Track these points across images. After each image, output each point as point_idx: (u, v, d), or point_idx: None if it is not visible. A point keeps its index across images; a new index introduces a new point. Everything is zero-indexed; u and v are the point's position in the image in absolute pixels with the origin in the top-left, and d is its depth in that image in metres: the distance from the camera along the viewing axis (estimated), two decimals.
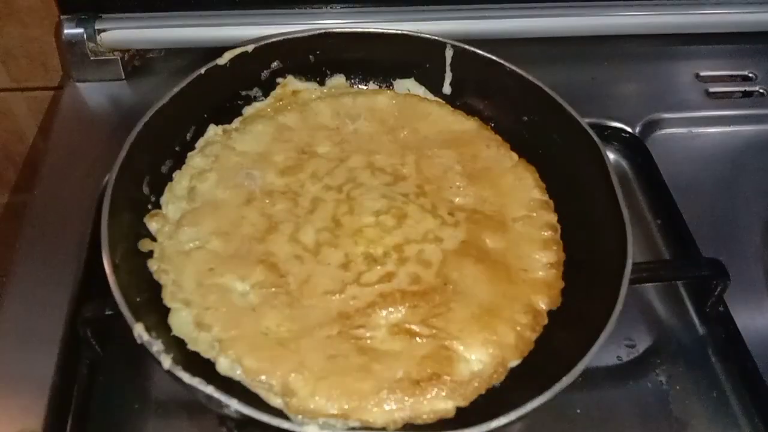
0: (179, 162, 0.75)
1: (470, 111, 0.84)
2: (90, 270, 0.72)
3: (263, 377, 0.59)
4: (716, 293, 0.73)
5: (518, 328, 0.64)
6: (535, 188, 0.76)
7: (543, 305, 0.67)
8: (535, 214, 0.74)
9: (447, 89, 0.85)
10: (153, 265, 0.66)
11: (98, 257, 0.60)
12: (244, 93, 0.82)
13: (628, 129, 0.92)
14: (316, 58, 0.84)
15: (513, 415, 0.54)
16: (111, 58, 0.92)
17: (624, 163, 0.91)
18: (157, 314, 0.62)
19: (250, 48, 0.80)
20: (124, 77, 0.94)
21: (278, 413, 0.57)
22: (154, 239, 0.68)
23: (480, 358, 0.62)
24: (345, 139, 0.80)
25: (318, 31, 0.83)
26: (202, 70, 0.77)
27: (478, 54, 0.82)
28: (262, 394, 0.59)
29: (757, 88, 1.00)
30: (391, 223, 0.71)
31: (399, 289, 0.66)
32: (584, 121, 0.75)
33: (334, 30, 0.84)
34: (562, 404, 0.68)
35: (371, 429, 0.57)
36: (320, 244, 0.69)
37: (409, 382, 0.60)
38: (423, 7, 0.95)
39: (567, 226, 0.74)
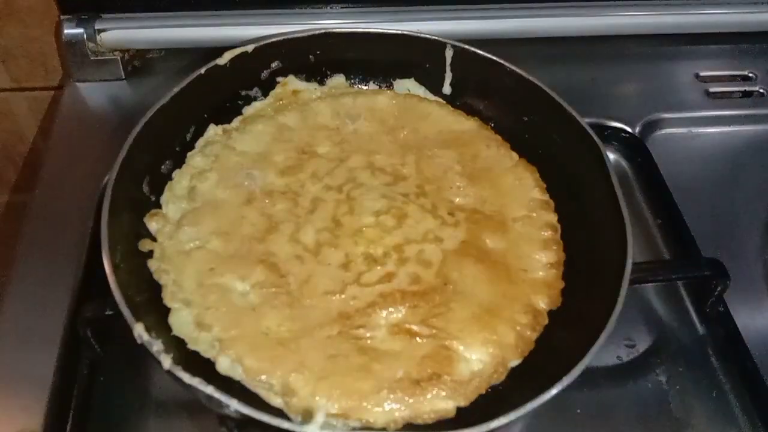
0: (179, 162, 0.75)
1: (470, 111, 0.84)
2: (90, 270, 0.72)
3: (263, 377, 0.59)
4: (716, 293, 0.73)
5: (518, 328, 0.65)
6: (536, 188, 0.76)
7: (543, 305, 0.67)
8: (535, 214, 0.74)
9: (447, 89, 0.85)
10: (153, 265, 0.66)
11: (98, 257, 0.60)
12: (244, 93, 0.82)
13: (628, 129, 0.92)
14: (316, 58, 0.84)
15: (513, 415, 0.54)
16: (111, 58, 0.92)
17: (624, 163, 0.91)
18: (157, 314, 0.62)
19: (250, 48, 0.80)
20: (124, 77, 0.94)
21: (278, 413, 0.57)
22: (154, 239, 0.68)
23: (480, 357, 0.62)
24: (345, 139, 0.80)
25: (318, 31, 0.83)
26: (202, 70, 0.77)
27: (478, 54, 0.82)
28: (263, 393, 0.59)
29: (757, 88, 1.00)
30: (391, 223, 0.71)
31: (399, 289, 0.66)
32: (584, 121, 0.75)
33: (334, 30, 0.84)
34: (562, 404, 0.68)
35: (371, 429, 0.57)
36: (320, 244, 0.69)
37: (410, 382, 0.60)
38: (423, 7, 0.95)
39: (567, 226, 0.74)
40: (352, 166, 0.76)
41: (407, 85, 0.86)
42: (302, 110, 0.81)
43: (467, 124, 0.82)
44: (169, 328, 0.62)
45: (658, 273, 0.75)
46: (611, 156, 0.89)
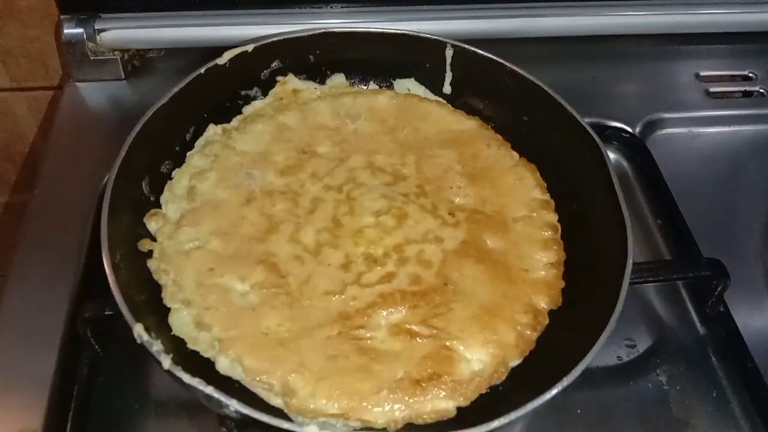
0: (179, 162, 0.75)
1: (470, 111, 0.84)
2: (90, 270, 0.72)
3: (263, 377, 0.59)
4: (716, 293, 0.73)
5: (519, 328, 0.64)
6: (536, 188, 0.76)
7: (544, 305, 0.67)
8: (535, 214, 0.74)
9: (447, 89, 0.85)
10: (153, 265, 0.66)
11: (98, 257, 0.60)
12: (243, 92, 0.82)
13: (629, 129, 0.92)
14: (316, 58, 0.84)
15: (513, 415, 0.54)
16: (111, 57, 0.92)
17: (624, 163, 0.91)
18: (156, 314, 0.62)
19: (250, 48, 0.80)
20: (123, 77, 0.94)
21: (278, 413, 0.57)
22: (153, 239, 0.68)
23: (480, 357, 0.62)
24: (345, 138, 0.79)
25: (318, 31, 0.83)
26: (202, 70, 0.77)
27: (479, 54, 0.82)
28: (262, 393, 0.59)
29: (757, 88, 1.00)
30: (392, 223, 0.71)
31: (399, 289, 0.66)
32: (584, 121, 0.75)
33: (334, 30, 0.84)
34: (562, 404, 0.68)
35: (372, 429, 0.57)
36: (320, 245, 0.69)
37: (410, 382, 0.60)
38: (423, 7, 0.95)
39: (567, 226, 0.73)
40: (352, 165, 0.76)
41: (407, 85, 0.86)
42: (302, 110, 0.81)
43: (467, 123, 0.82)
44: (168, 328, 0.62)
45: (658, 273, 0.74)
46: (611, 156, 0.89)
